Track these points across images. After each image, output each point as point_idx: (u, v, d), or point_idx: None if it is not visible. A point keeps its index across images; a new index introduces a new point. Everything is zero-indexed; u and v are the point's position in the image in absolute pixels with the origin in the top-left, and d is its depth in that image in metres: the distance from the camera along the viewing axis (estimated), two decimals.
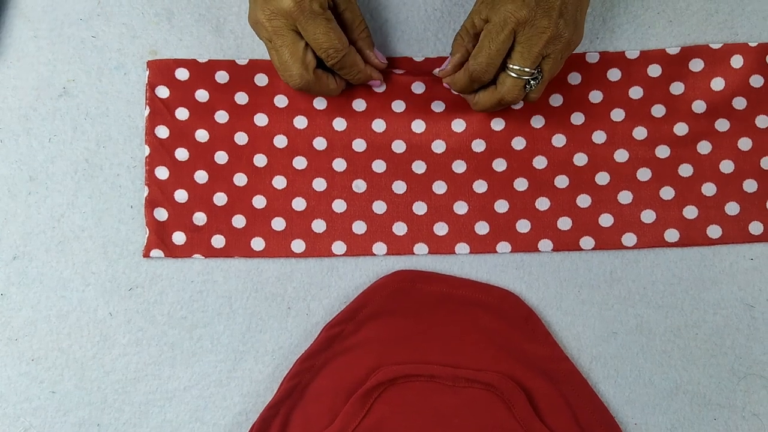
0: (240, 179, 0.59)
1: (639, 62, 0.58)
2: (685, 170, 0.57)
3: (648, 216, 0.57)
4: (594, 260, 0.57)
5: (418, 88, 0.58)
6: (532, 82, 0.51)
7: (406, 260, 0.58)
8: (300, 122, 0.59)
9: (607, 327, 0.57)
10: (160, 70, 0.59)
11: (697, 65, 0.58)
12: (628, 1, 0.59)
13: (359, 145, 0.59)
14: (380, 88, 0.58)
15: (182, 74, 0.59)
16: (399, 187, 0.58)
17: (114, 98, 0.59)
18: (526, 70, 0.50)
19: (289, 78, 0.53)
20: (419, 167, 0.58)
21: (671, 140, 0.58)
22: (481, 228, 0.58)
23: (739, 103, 0.58)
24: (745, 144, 0.57)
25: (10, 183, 0.59)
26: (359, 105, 0.59)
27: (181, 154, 0.59)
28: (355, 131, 0.59)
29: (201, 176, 0.59)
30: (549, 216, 0.57)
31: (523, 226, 0.57)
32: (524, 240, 0.57)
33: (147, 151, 0.59)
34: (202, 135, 0.59)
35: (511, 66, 0.51)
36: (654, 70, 0.58)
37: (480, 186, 0.58)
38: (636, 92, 0.58)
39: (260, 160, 0.59)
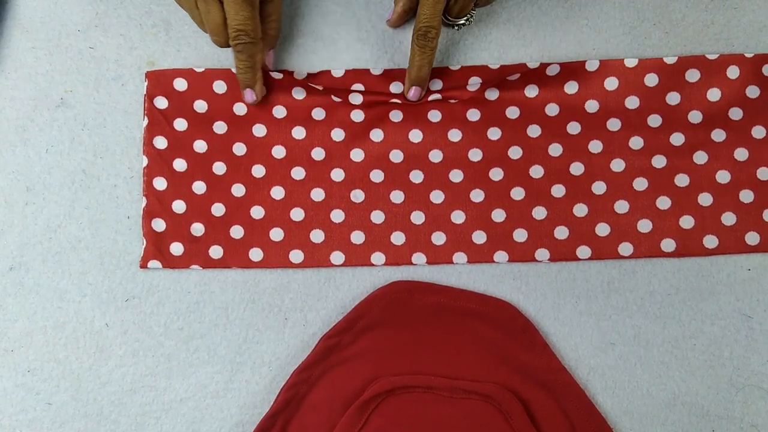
0: (238, 190, 0.59)
1: (636, 71, 0.58)
2: (682, 180, 0.57)
3: (644, 225, 0.57)
4: (591, 271, 0.57)
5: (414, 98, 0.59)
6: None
7: (404, 270, 0.58)
8: (298, 133, 0.59)
9: (605, 338, 0.57)
10: (159, 81, 0.59)
11: (693, 76, 0.58)
12: (624, 13, 0.59)
13: (357, 155, 0.59)
14: (250, 100, 0.58)
15: (181, 84, 0.59)
16: (397, 196, 0.58)
17: (111, 109, 0.59)
18: None
19: (217, 42, 0.54)
20: (417, 177, 0.58)
21: (667, 150, 0.58)
22: (479, 237, 0.58)
23: (736, 113, 0.58)
24: (741, 154, 0.57)
25: (7, 193, 0.59)
26: (357, 116, 0.59)
27: (180, 164, 0.59)
28: (353, 141, 0.59)
29: (199, 187, 0.59)
30: (546, 225, 0.57)
31: (520, 235, 0.57)
32: (521, 249, 0.57)
33: (145, 161, 0.59)
34: (200, 146, 0.59)
35: None
36: (651, 80, 0.58)
37: (477, 195, 0.58)
38: (632, 102, 0.58)
39: (258, 170, 0.59)
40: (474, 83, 0.58)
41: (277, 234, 0.58)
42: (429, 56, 0.55)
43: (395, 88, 0.59)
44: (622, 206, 0.57)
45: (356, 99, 0.59)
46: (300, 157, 0.59)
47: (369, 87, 0.59)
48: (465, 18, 0.57)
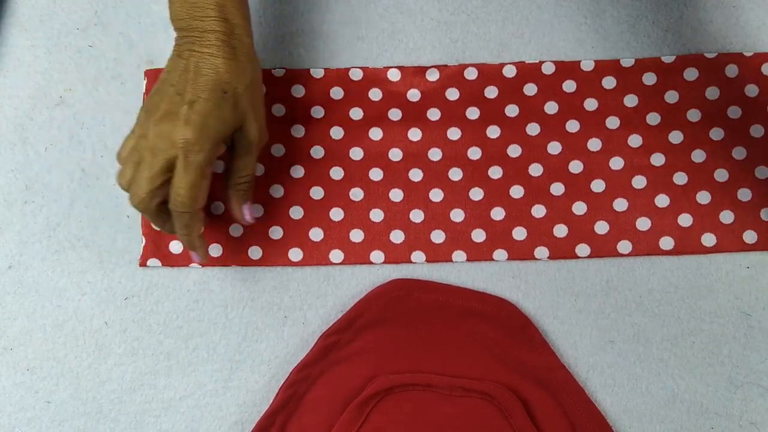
0: None
1: (634, 70, 0.58)
2: (680, 178, 0.57)
3: (643, 224, 0.57)
4: (590, 269, 0.57)
5: (413, 96, 0.59)
6: None
7: (403, 269, 0.58)
8: (297, 131, 0.59)
9: (604, 336, 0.57)
10: None
11: (691, 74, 0.58)
12: (623, 11, 0.59)
13: (356, 153, 0.59)
14: (196, 263, 0.56)
15: None
16: (396, 195, 0.58)
17: (111, 107, 0.59)
18: None
19: (133, 195, 0.50)
20: (416, 175, 0.58)
21: (666, 148, 0.58)
22: (478, 236, 0.58)
23: (734, 112, 0.58)
24: (739, 153, 0.58)
25: (6, 192, 0.59)
26: (356, 113, 0.59)
27: None
28: (352, 139, 0.59)
29: None
30: (545, 223, 0.58)
31: (519, 233, 0.58)
32: (520, 247, 0.57)
33: None
34: None
35: None
36: (649, 79, 0.58)
37: (476, 194, 0.58)
38: (631, 100, 0.58)
39: (257, 169, 0.59)
40: (471, 72, 0.59)
41: (276, 232, 0.58)
42: None
43: (392, 74, 0.59)
44: (621, 204, 0.57)
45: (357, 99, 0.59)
46: (299, 156, 0.59)
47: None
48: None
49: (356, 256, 0.58)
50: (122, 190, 0.51)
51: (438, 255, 0.58)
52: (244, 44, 0.51)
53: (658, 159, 0.58)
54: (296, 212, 0.58)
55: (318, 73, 0.59)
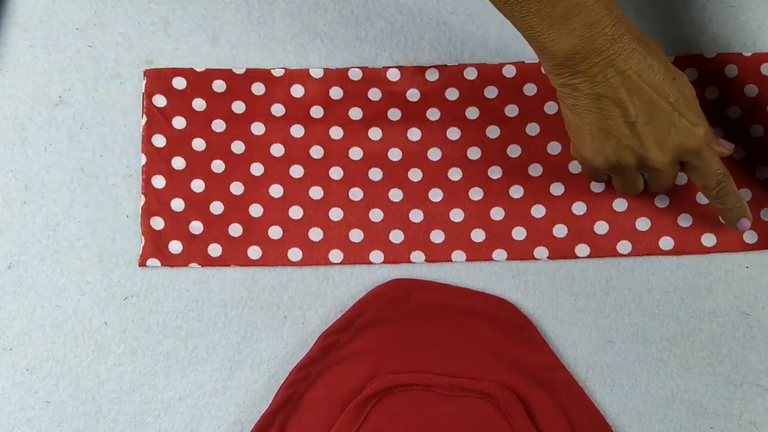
0: (236, 188, 0.59)
1: None
2: (680, 178, 0.57)
3: (643, 224, 0.57)
4: (590, 269, 0.57)
5: (413, 96, 0.59)
6: None
7: (402, 268, 0.58)
8: (297, 131, 0.59)
9: (603, 335, 0.57)
10: (158, 79, 0.59)
11: (691, 74, 0.58)
12: (623, 11, 0.59)
13: (356, 153, 0.59)
14: (747, 227, 0.54)
15: (179, 83, 0.59)
16: (395, 195, 0.58)
17: (110, 107, 0.59)
18: None
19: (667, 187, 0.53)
20: (415, 175, 0.58)
21: None
22: (477, 235, 0.58)
23: (734, 112, 0.58)
24: (739, 153, 0.58)
25: (5, 192, 0.59)
26: (356, 113, 0.59)
27: (178, 163, 0.59)
28: (352, 139, 0.59)
29: (197, 185, 0.59)
30: (544, 223, 0.58)
31: (519, 233, 0.58)
32: (520, 247, 0.57)
33: (143, 160, 0.59)
34: (198, 144, 0.59)
35: None
36: None
37: (476, 194, 0.58)
38: None
39: (257, 169, 0.59)
40: (470, 72, 0.59)
41: (275, 232, 0.58)
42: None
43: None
44: (620, 204, 0.57)
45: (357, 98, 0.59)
46: (298, 156, 0.59)
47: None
48: None
49: (356, 256, 0.58)
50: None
51: (437, 255, 0.58)
52: (635, 27, 0.48)
53: None
54: (296, 212, 0.58)
55: (317, 73, 0.59)
